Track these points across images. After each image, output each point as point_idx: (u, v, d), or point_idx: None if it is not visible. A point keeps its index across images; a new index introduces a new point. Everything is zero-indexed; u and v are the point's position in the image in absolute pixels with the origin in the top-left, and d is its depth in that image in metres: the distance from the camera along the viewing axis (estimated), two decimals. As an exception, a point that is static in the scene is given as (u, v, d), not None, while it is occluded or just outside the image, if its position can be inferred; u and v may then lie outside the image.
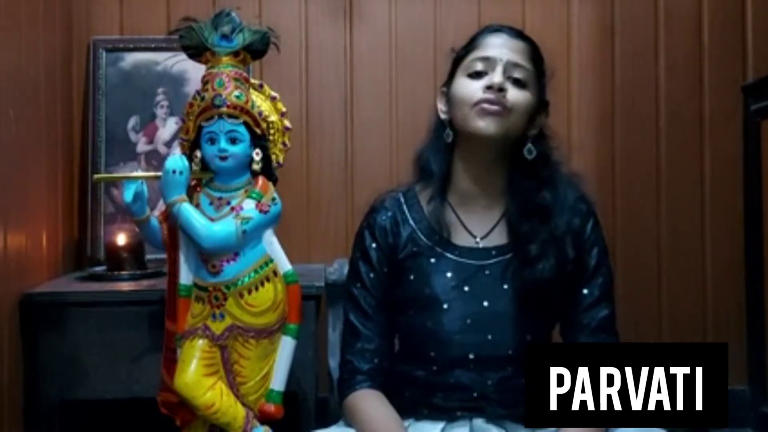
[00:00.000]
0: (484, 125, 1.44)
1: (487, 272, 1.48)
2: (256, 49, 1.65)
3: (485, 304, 1.46)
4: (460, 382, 1.46)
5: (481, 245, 1.51)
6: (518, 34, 1.51)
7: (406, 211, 1.54)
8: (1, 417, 1.91)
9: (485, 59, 1.47)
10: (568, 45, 2.70)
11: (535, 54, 1.50)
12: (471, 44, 1.52)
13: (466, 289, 1.47)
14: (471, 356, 1.45)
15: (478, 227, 1.52)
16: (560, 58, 2.62)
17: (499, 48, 1.48)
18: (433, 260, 1.50)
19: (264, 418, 1.64)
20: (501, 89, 1.44)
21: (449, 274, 1.48)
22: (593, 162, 2.66)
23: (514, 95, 1.45)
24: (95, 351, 2.03)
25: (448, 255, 1.50)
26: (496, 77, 1.44)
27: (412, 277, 1.50)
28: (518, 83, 1.46)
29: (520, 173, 1.49)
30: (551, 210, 1.48)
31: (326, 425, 1.55)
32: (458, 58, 1.52)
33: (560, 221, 1.47)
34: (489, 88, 1.44)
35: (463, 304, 1.46)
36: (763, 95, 2.43)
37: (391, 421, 1.43)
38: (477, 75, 1.47)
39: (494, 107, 1.43)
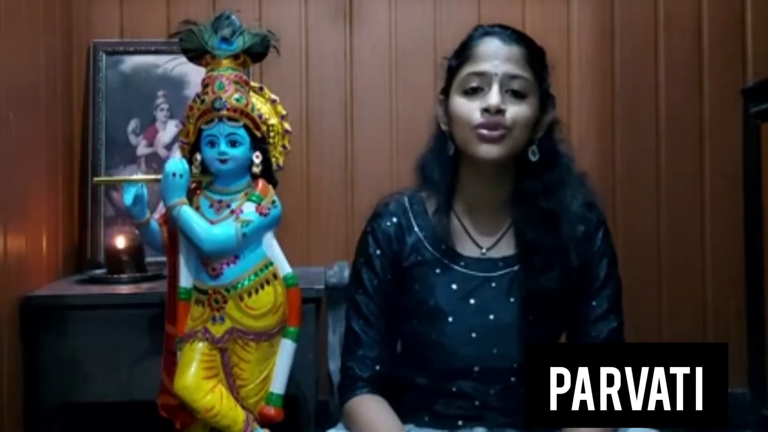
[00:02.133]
0: (485, 151, 1.40)
1: (493, 284, 1.46)
2: (256, 52, 1.65)
3: (491, 317, 1.44)
4: (463, 391, 1.45)
5: (487, 256, 1.48)
6: (511, 36, 1.44)
7: (412, 218, 1.52)
8: (1, 420, 1.90)
9: (480, 74, 1.41)
10: (568, 47, 2.70)
11: (531, 56, 1.44)
12: (463, 54, 1.45)
13: (471, 301, 1.45)
14: (476, 368, 1.44)
15: (485, 238, 1.49)
16: (560, 61, 2.61)
17: (493, 60, 1.41)
18: (438, 271, 1.48)
19: (264, 421, 1.63)
20: (499, 110, 1.39)
21: (454, 286, 1.46)
22: (593, 165, 2.65)
23: (514, 112, 1.40)
24: (95, 354, 2.03)
25: (454, 266, 1.47)
26: (493, 98, 1.39)
27: (416, 287, 1.48)
28: (517, 95, 1.41)
29: (525, 177, 1.46)
30: (558, 216, 1.44)
31: (326, 428, 1.55)
32: (452, 69, 1.47)
33: (566, 229, 1.44)
34: (486, 110, 1.39)
35: (468, 316, 1.44)
36: (763, 98, 2.43)
37: (391, 424, 1.43)
38: (473, 92, 1.41)
39: (494, 133, 1.39)
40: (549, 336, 1.50)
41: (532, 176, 1.45)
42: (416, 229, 1.51)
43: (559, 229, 1.44)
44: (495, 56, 1.41)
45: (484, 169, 1.46)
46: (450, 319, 1.44)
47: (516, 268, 1.47)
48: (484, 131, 1.39)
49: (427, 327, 1.46)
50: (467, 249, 1.49)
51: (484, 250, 1.49)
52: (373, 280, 1.51)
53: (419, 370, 1.49)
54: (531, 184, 1.45)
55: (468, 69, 1.43)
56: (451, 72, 1.47)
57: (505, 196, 1.48)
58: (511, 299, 1.45)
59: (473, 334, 1.44)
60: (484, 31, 1.46)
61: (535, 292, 1.43)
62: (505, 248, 1.49)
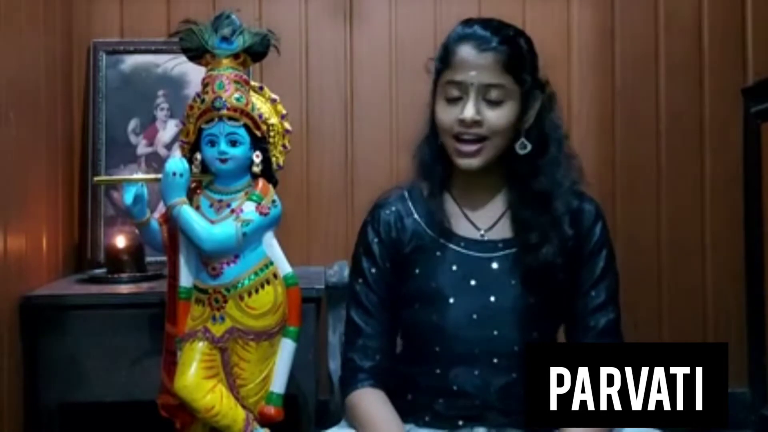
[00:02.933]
0: (465, 164, 1.44)
1: (494, 265, 1.47)
2: (257, 52, 1.65)
3: (492, 298, 1.45)
4: (463, 389, 1.44)
5: (486, 238, 1.49)
6: (488, 42, 1.42)
7: (411, 205, 1.52)
8: (1, 420, 1.90)
9: (457, 84, 1.42)
10: (569, 48, 2.70)
11: (508, 59, 1.42)
12: (445, 58, 1.45)
13: (472, 282, 1.46)
14: (476, 351, 1.44)
15: (482, 219, 1.50)
16: (560, 61, 2.62)
17: (468, 70, 1.41)
18: (438, 253, 1.48)
19: (264, 421, 1.64)
20: (475, 121, 1.41)
21: (455, 267, 1.47)
22: (593, 165, 2.66)
23: (492, 119, 1.42)
24: (95, 354, 2.03)
25: (453, 246, 1.48)
26: (468, 111, 1.41)
27: (417, 271, 1.49)
28: (494, 102, 1.42)
29: (517, 161, 1.47)
30: (550, 195, 1.45)
31: (326, 428, 1.54)
32: (437, 72, 1.47)
33: (558, 204, 1.45)
34: (462, 121, 1.41)
35: (469, 298, 1.45)
36: (763, 98, 2.43)
37: (391, 422, 1.42)
38: (453, 100, 1.43)
39: (470, 148, 1.42)
40: (549, 322, 1.50)
41: (523, 160, 1.47)
42: (415, 215, 1.52)
43: (552, 205, 1.45)
44: (470, 66, 1.42)
45: None
46: (451, 300, 1.45)
47: (515, 249, 1.47)
48: (462, 147, 1.43)
49: (428, 310, 1.46)
50: (465, 230, 1.50)
51: (482, 232, 1.50)
52: (372, 268, 1.51)
53: (421, 363, 1.48)
54: (523, 168, 1.47)
55: (447, 76, 1.44)
56: (437, 74, 1.48)
57: (500, 179, 1.50)
58: (512, 281, 1.46)
59: (474, 316, 1.44)
60: (462, 33, 1.45)
61: (535, 269, 1.44)
62: (504, 231, 1.50)
